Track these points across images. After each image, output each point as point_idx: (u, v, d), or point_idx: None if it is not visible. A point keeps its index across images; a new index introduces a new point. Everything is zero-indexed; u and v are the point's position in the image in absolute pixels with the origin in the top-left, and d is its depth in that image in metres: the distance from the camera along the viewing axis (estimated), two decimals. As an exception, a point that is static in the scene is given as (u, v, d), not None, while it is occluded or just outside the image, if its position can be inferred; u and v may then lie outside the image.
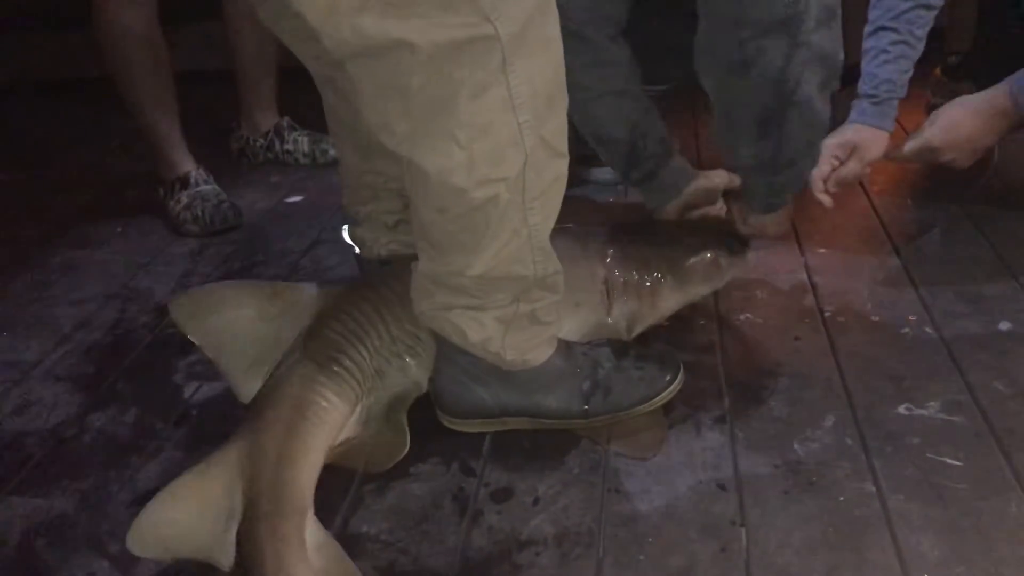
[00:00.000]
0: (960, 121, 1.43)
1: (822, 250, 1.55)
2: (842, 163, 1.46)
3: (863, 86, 1.46)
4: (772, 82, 1.29)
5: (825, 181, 1.47)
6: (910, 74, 1.46)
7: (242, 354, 1.13)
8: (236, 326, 1.14)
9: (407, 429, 1.09)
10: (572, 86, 0.97)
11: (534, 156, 0.93)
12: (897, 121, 1.46)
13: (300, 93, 1.90)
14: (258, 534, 0.91)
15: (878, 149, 1.47)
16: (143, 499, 1.06)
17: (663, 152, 1.49)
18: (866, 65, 1.47)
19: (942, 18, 2.10)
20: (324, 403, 1.05)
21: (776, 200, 1.50)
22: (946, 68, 2.10)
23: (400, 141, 0.91)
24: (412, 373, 1.14)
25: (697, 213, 1.52)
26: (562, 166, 0.98)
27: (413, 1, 0.83)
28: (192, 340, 1.14)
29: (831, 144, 1.47)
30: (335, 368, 1.08)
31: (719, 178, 1.51)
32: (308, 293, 1.18)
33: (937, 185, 1.75)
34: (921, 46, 1.44)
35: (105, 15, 1.72)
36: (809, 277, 1.46)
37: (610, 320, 1.24)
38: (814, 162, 1.45)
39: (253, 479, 0.95)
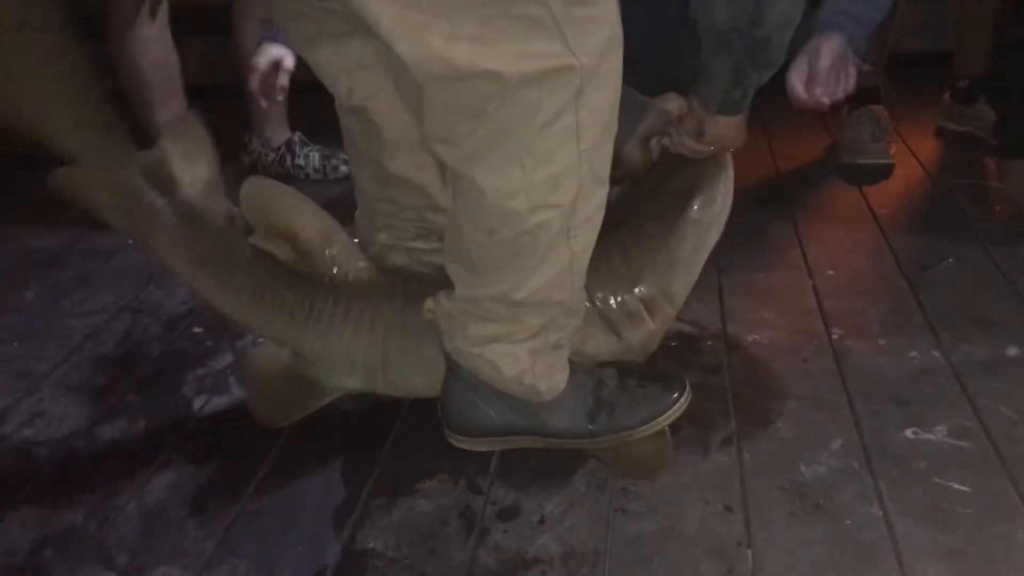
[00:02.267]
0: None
1: (830, 272, 1.55)
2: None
3: None
4: None
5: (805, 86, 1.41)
6: (883, 10, 1.46)
7: None
8: None
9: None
10: None
11: (585, 184, 0.93)
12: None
13: (312, 109, 1.91)
14: None
15: (834, 46, 1.43)
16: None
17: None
18: None
19: (951, 43, 2.11)
20: None
21: (738, 93, 1.27)
22: (955, 92, 2.11)
23: (461, 158, 0.91)
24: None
25: (654, 141, 1.39)
26: (604, 194, 0.98)
27: (501, 30, 0.83)
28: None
29: (794, 70, 1.43)
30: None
31: (671, 103, 1.39)
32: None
33: (947, 210, 1.76)
34: None
35: (118, 30, 1.74)
36: (817, 299, 1.47)
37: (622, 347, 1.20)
38: (783, 53, 1.25)
39: None
